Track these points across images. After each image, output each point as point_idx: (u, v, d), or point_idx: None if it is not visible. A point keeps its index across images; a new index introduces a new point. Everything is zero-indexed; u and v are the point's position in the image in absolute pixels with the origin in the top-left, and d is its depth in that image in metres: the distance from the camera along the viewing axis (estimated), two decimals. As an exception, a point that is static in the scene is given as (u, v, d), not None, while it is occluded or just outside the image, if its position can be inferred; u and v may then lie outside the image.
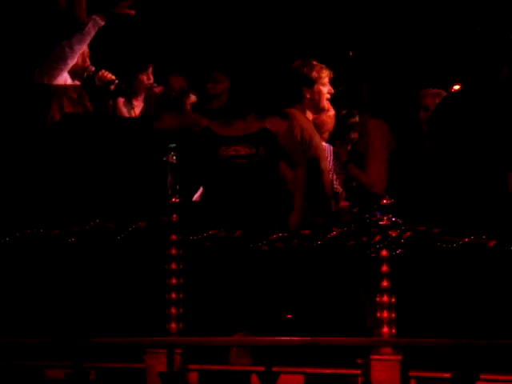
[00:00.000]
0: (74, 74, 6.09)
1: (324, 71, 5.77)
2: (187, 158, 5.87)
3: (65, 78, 6.06)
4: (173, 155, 5.92)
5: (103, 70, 6.12)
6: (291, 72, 5.75)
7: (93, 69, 6.14)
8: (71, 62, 5.99)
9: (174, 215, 4.95)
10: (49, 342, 4.88)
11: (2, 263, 5.34)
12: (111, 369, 5.01)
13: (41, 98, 5.97)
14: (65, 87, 6.03)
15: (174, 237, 4.95)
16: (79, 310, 5.30)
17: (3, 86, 6.13)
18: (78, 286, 5.36)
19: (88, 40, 6.01)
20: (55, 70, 5.97)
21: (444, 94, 5.58)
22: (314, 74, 5.73)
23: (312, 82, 5.73)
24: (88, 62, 6.13)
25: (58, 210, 5.50)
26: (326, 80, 5.76)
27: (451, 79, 5.62)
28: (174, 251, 4.94)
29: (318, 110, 5.80)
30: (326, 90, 5.76)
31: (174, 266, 4.93)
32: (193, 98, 6.29)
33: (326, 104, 5.79)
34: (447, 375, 4.56)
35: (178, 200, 4.97)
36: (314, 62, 5.78)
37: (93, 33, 5.97)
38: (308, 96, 5.74)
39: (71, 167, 5.66)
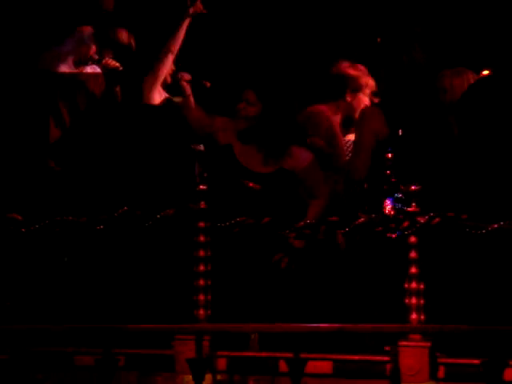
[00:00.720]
0: (78, 62, 6.11)
1: (371, 82, 5.75)
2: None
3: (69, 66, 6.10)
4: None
5: (107, 58, 6.14)
6: (338, 71, 5.72)
7: (97, 57, 6.16)
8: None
9: (202, 202, 4.96)
10: (78, 329, 4.91)
11: (32, 250, 5.39)
12: (140, 355, 5.04)
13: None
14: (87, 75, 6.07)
15: (201, 224, 4.96)
16: (108, 296, 5.33)
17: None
18: (107, 274, 5.39)
19: None
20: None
21: (463, 71, 5.49)
22: (364, 81, 5.72)
23: (359, 88, 5.72)
24: (93, 49, 6.15)
25: (87, 198, 5.53)
26: (369, 91, 5.76)
27: (476, 62, 5.57)
28: (201, 238, 4.95)
29: (350, 116, 5.79)
30: (366, 100, 5.76)
31: (201, 252, 4.94)
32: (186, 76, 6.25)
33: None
34: (476, 361, 4.54)
35: (205, 187, 4.98)
36: (363, 68, 5.75)
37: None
38: (349, 99, 5.74)
39: (100, 155, 5.69)
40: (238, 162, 5.47)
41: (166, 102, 6.09)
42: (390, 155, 5.28)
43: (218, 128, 5.58)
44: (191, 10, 6.05)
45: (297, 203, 5.43)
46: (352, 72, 5.72)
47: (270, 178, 5.42)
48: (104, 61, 6.11)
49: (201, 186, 4.99)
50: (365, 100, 5.76)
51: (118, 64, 6.11)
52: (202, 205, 4.96)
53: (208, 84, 6.12)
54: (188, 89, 6.06)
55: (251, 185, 5.41)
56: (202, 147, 5.88)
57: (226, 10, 6.73)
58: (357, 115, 5.72)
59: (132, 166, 5.66)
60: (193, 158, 5.65)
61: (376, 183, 5.38)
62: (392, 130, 5.47)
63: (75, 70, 6.11)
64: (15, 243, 5.33)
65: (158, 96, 6.10)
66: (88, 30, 6.15)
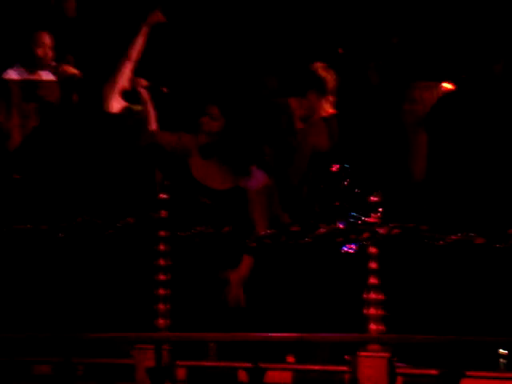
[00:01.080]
0: (31, 66, 6.06)
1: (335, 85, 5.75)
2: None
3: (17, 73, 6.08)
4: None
5: (63, 65, 6.11)
6: (310, 69, 5.72)
7: (53, 64, 6.13)
8: None
9: (163, 211, 4.96)
10: (37, 337, 4.88)
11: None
12: (100, 364, 5.01)
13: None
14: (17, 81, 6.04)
15: (162, 233, 4.96)
16: (68, 305, 5.29)
17: None
18: (67, 282, 5.35)
19: None
20: None
21: (433, 85, 5.53)
22: (331, 86, 5.70)
23: (324, 92, 5.71)
24: (50, 54, 6.10)
25: (48, 206, 5.49)
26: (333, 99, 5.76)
27: (442, 74, 5.63)
28: (162, 247, 4.95)
29: (309, 116, 5.79)
30: (327, 106, 5.74)
31: (162, 261, 4.94)
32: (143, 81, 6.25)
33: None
34: (434, 372, 4.57)
35: (166, 196, 4.97)
36: (332, 72, 5.75)
37: None
38: (311, 99, 5.72)
39: (60, 163, 5.65)
40: (194, 177, 5.49)
41: (125, 110, 6.07)
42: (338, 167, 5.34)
43: (184, 145, 5.59)
44: (150, 19, 6.04)
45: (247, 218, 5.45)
46: (322, 73, 5.71)
47: (225, 194, 5.43)
48: (61, 68, 6.08)
49: (161, 195, 4.98)
50: (326, 106, 5.74)
51: (76, 71, 6.07)
52: (163, 214, 4.96)
53: (165, 90, 6.11)
54: (145, 95, 6.04)
55: (204, 200, 5.42)
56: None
57: (190, 19, 6.72)
58: (315, 117, 5.72)
59: (93, 175, 5.63)
60: (153, 167, 5.64)
61: (315, 193, 5.41)
62: (341, 142, 5.50)
63: (28, 77, 6.07)
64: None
65: (117, 104, 6.08)
66: (46, 35, 6.10)
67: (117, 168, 5.67)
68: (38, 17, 6.29)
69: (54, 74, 6.08)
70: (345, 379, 4.66)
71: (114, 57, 6.04)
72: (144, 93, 6.04)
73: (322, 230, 4.94)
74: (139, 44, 6.01)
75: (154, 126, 5.96)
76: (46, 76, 6.12)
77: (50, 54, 6.06)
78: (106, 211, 5.21)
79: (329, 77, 5.70)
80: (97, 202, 5.46)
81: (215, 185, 5.48)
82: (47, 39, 6.08)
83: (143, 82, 6.07)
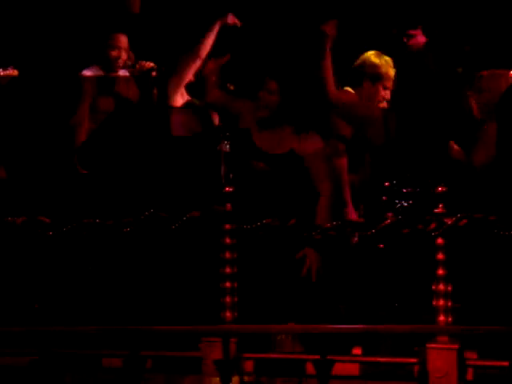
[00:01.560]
0: (111, 67, 6.12)
1: (392, 74, 5.70)
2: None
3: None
4: (226, 144, 5.91)
5: (140, 61, 6.14)
6: (361, 58, 5.69)
7: (129, 63, 6.16)
8: None
9: (228, 204, 4.97)
10: (106, 331, 4.92)
11: (59, 253, 5.41)
12: (167, 357, 5.05)
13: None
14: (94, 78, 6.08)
15: (227, 226, 4.97)
16: (135, 299, 5.34)
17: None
18: (134, 276, 5.40)
19: None
20: None
21: (501, 73, 5.45)
22: (384, 71, 5.67)
23: (378, 78, 5.67)
24: (125, 55, 6.14)
25: (114, 201, 5.54)
26: (390, 85, 5.71)
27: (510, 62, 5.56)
28: (227, 240, 4.96)
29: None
30: (384, 93, 5.70)
31: (228, 255, 4.95)
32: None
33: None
34: (505, 363, 4.52)
35: (231, 189, 4.98)
36: (388, 59, 5.71)
37: None
38: (366, 87, 5.68)
39: (126, 158, 5.70)
40: (255, 144, 5.47)
41: (187, 104, 6.09)
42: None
43: (240, 111, 5.58)
44: (224, 20, 6.03)
45: (309, 192, 5.40)
46: (374, 60, 5.68)
47: (282, 159, 5.40)
48: (137, 65, 6.10)
49: (227, 188, 4.99)
50: (383, 92, 5.70)
51: (152, 64, 6.08)
52: (228, 207, 4.97)
53: (232, 87, 6.12)
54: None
55: (261, 165, 5.41)
56: (227, 148, 5.88)
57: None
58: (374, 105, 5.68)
59: (158, 169, 5.66)
60: (219, 160, 5.66)
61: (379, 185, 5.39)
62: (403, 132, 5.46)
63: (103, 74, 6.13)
64: (43, 246, 5.36)
65: (181, 98, 6.10)
66: (121, 37, 6.15)
67: (182, 162, 5.70)
68: (111, 17, 6.33)
69: (131, 72, 6.11)
70: (414, 371, 4.63)
71: (180, 51, 6.06)
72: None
73: (388, 222, 4.91)
74: (209, 42, 6.00)
75: (217, 120, 5.99)
76: (123, 73, 6.16)
77: (125, 55, 6.10)
78: (171, 205, 5.24)
79: (380, 61, 5.66)
80: (162, 196, 5.49)
81: (272, 150, 5.46)
82: (122, 41, 6.13)
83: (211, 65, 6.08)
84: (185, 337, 5.04)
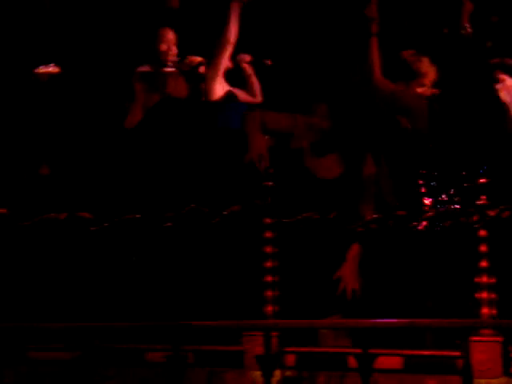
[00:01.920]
0: (160, 62, 6.15)
1: (432, 72, 5.65)
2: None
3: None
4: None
5: (188, 56, 6.15)
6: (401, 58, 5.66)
7: (177, 59, 6.17)
8: None
9: (268, 198, 4.97)
10: (149, 326, 4.95)
11: (102, 248, 5.44)
12: (209, 351, 5.06)
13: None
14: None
15: (268, 220, 4.97)
16: (177, 294, 5.36)
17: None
18: (176, 271, 5.42)
19: None
20: None
21: None
22: (423, 69, 5.62)
23: (415, 76, 5.63)
24: (174, 49, 6.17)
25: (155, 196, 5.56)
26: (428, 82, 5.66)
27: None
28: (268, 234, 4.96)
29: None
30: (422, 89, 5.66)
31: (269, 248, 4.95)
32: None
33: None
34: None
35: (271, 183, 4.98)
36: (425, 58, 5.67)
37: None
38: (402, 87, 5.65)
39: (168, 153, 5.71)
40: (306, 167, 5.48)
41: (228, 94, 6.08)
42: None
43: (299, 128, 5.57)
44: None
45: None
46: (412, 59, 5.64)
47: (335, 182, 5.41)
48: (186, 60, 6.12)
49: (267, 183, 4.99)
50: (420, 89, 5.66)
51: (200, 58, 6.09)
52: (269, 201, 4.97)
53: (269, 62, 6.09)
54: (249, 69, 6.04)
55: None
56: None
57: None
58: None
59: (199, 164, 5.67)
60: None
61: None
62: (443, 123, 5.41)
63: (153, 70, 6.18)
64: (85, 241, 5.40)
65: (221, 88, 6.09)
66: (169, 31, 6.19)
67: (222, 156, 5.70)
68: (155, 13, 6.37)
69: (180, 67, 6.13)
70: (457, 365, 4.59)
71: (212, 40, 6.05)
72: (247, 67, 6.04)
73: (430, 214, 4.87)
74: (234, 24, 5.97)
75: (259, 98, 5.98)
76: (171, 69, 6.19)
77: (173, 49, 6.13)
78: (212, 200, 5.25)
79: (416, 59, 5.63)
80: (203, 190, 5.50)
81: (327, 174, 5.46)
82: (170, 35, 6.16)
83: (246, 58, 6.06)
84: (227, 331, 5.04)
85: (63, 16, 6.64)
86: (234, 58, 6.09)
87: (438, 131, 5.46)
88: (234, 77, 6.09)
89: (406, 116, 5.54)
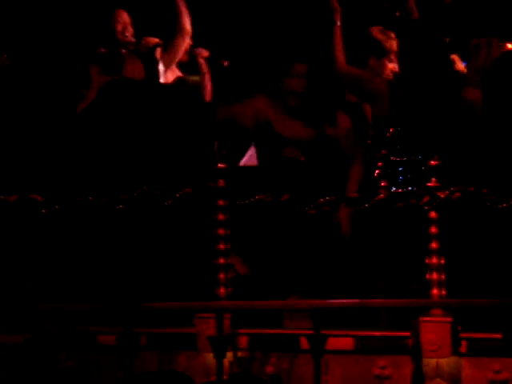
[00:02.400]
0: (116, 42, 6.11)
1: (395, 45, 5.68)
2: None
3: None
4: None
5: (144, 37, 6.11)
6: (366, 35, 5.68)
7: (133, 40, 6.14)
8: None
9: (221, 180, 4.96)
10: (100, 308, 4.93)
11: (53, 230, 5.40)
12: (162, 334, 5.06)
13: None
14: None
15: (221, 202, 4.96)
16: (129, 275, 5.34)
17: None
18: (128, 253, 5.40)
19: None
20: None
21: (491, 41, 5.43)
22: (388, 45, 5.65)
23: (383, 53, 5.65)
24: (130, 29, 6.13)
25: (107, 178, 5.53)
26: (394, 57, 5.69)
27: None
28: (221, 216, 4.96)
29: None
30: (391, 65, 5.69)
31: (221, 231, 4.95)
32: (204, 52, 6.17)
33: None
34: (498, 336, 4.52)
35: (224, 165, 4.97)
36: (392, 34, 5.69)
37: None
38: (371, 64, 5.67)
39: (119, 135, 5.68)
40: (280, 135, 5.47)
41: (177, 79, 6.05)
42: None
43: (259, 109, 5.57)
44: None
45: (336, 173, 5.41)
46: (379, 36, 5.67)
47: (311, 144, 5.42)
48: (143, 41, 6.08)
49: (220, 165, 4.98)
50: (390, 65, 5.69)
51: (157, 39, 6.06)
52: (221, 183, 4.96)
53: (226, 63, 6.08)
54: (205, 66, 6.02)
55: (294, 154, 5.42)
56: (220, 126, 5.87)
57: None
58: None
59: (151, 146, 5.65)
60: (211, 136, 5.65)
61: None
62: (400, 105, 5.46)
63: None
64: (36, 224, 5.35)
65: (171, 75, 6.07)
66: (123, 12, 6.15)
67: (174, 139, 5.68)
68: None
69: (135, 48, 6.09)
70: (408, 345, 4.63)
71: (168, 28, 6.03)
72: (203, 64, 6.01)
73: (381, 196, 4.90)
74: (184, 11, 5.95)
75: (208, 97, 5.96)
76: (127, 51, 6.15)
77: (129, 29, 6.09)
78: (164, 182, 5.23)
79: (383, 37, 5.65)
80: (155, 173, 5.48)
81: (301, 136, 5.46)
82: (125, 15, 6.12)
83: (204, 53, 6.04)
84: (179, 313, 5.04)
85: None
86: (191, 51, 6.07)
87: (399, 115, 5.49)
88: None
89: (370, 101, 5.58)
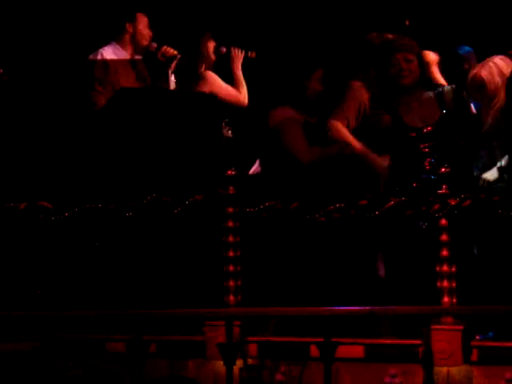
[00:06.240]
0: (136, 50, 6.16)
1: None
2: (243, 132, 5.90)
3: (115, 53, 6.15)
4: (228, 129, 5.89)
5: (165, 46, 6.13)
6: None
7: (155, 45, 6.17)
8: None
9: (231, 188, 4.95)
10: (109, 315, 4.91)
11: (62, 238, 5.39)
12: (171, 341, 5.04)
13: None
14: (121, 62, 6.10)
15: (230, 209, 4.95)
16: (138, 283, 5.33)
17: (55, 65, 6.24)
18: (138, 260, 5.39)
19: None
20: None
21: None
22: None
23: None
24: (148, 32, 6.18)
25: (116, 185, 5.52)
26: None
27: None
28: (230, 224, 4.94)
29: None
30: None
31: (231, 238, 4.93)
32: None
33: None
34: (510, 344, 4.49)
35: (234, 173, 4.96)
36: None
37: None
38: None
39: (128, 142, 5.67)
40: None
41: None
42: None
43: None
44: None
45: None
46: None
47: None
48: (163, 48, 6.10)
49: (229, 172, 4.97)
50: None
51: (175, 52, 6.08)
52: (231, 190, 4.95)
53: (253, 54, 6.08)
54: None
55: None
56: (229, 133, 5.86)
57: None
58: None
59: (161, 153, 5.63)
60: (222, 144, 5.64)
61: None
62: None
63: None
64: (45, 231, 5.34)
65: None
66: (142, 15, 6.19)
67: (185, 146, 5.67)
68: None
69: (152, 54, 6.13)
70: (418, 353, 4.60)
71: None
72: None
73: (392, 203, 4.88)
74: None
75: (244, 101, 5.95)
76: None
77: (147, 32, 6.13)
78: (174, 189, 5.22)
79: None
80: (164, 180, 5.47)
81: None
82: (145, 18, 6.15)
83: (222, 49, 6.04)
84: (188, 321, 5.02)
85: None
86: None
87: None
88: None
89: None
